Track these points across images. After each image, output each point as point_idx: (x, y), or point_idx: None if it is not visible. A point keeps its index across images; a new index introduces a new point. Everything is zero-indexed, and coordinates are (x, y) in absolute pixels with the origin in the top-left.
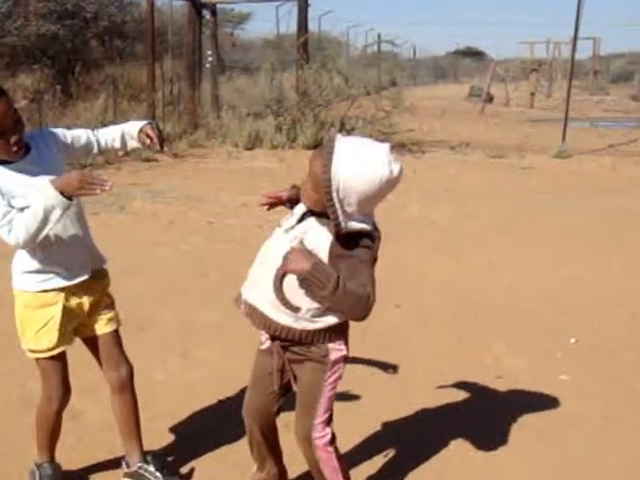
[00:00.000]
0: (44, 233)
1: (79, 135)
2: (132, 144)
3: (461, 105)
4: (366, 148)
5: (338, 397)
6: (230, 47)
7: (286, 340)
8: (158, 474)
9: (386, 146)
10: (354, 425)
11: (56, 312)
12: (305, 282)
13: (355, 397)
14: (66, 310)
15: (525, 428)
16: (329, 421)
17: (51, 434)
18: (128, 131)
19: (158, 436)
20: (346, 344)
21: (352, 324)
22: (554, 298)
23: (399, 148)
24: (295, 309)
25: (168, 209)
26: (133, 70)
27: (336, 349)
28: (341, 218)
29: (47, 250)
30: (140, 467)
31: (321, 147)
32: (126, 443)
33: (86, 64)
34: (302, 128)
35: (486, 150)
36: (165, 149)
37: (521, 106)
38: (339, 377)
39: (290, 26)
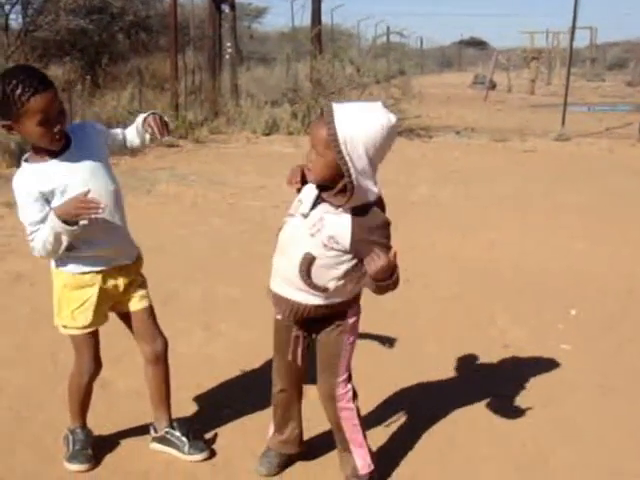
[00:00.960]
0: (61, 250)
1: (116, 133)
2: (144, 137)
3: (466, 92)
4: (362, 105)
5: (354, 365)
6: (248, 39)
7: (315, 317)
8: (184, 439)
9: (379, 102)
10: (366, 393)
11: (93, 293)
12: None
13: (366, 367)
14: (102, 291)
15: (530, 395)
16: (350, 379)
17: (82, 402)
18: (138, 126)
19: (184, 405)
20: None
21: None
22: (555, 272)
23: (408, 133)
24: (324, 290)
25: (191, 191)
26: (157, 61)
27: (354, 313)
28: (353, 174)
29: (86, 239)
30: (167, 432)
31: (319, 117)
32: (156, 410)
33: (113, 56)
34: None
35: (490, 134)
36: (166, 137)
37: (522, 92)
38: (357, 336)
39: (304, 19)
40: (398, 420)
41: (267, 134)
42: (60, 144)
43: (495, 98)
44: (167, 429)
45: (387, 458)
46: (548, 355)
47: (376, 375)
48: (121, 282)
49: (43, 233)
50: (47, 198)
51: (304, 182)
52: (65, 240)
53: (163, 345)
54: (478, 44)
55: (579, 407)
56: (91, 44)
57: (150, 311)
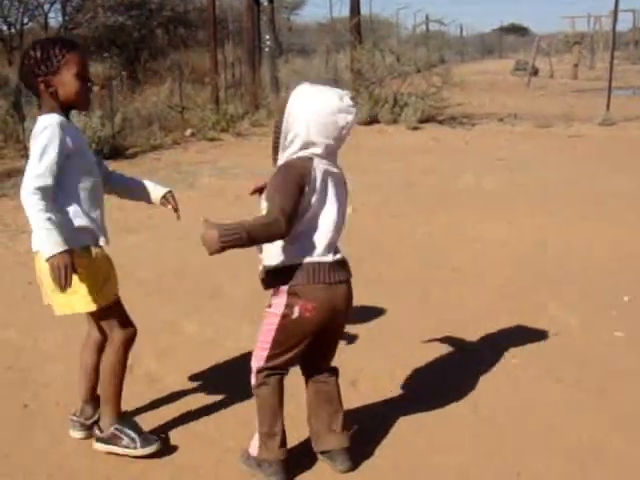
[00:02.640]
0: (29, 215)
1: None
2: (147, 201)
3: (508, 79)
4: (321, 87)
5: (408, 353)
6: (287, 31)
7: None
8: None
9: (340, 90)
10: (417, 382)
11: (109, 265)
12: (230, 247)
13: (418, 353)
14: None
15: (583, 384)
16: (265, 360)
17: (122, 381)
18: (148, 192)
19: (233, 396)
20: (289, 307)
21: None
22: (605, 258)
23: (450, 121)
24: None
25: (233, 184)
26: (196, 56)
27: (274, 303)
28: (281, 140)
29: (80, 208)
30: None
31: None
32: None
33: (152, 52)
34: (357, 105)
35: (533, 120)
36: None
37: (565, 78)
38: (273, 329)
39: (342, 10)
40: (450, 411)
41: None
42: (88, 105)
43: (537, 84)
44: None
45: (424, 448)
46: (601, 343)
47: (425, 364)
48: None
49: (41, 217)
50: (67, 154)
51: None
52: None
53: (134, 332)
54: (519, 30)
55: (634, 396)
56: (130, 40)
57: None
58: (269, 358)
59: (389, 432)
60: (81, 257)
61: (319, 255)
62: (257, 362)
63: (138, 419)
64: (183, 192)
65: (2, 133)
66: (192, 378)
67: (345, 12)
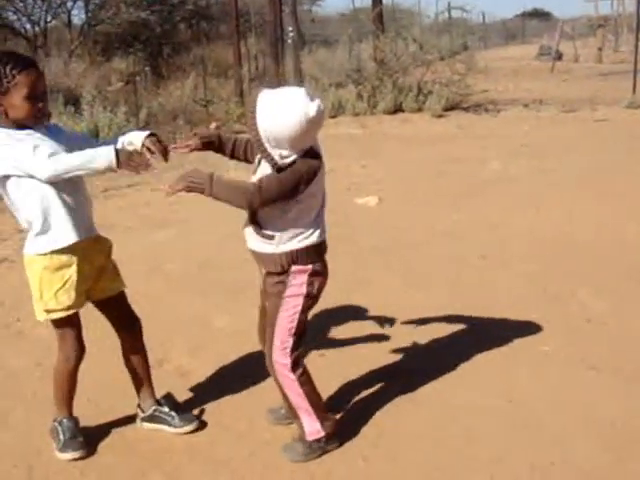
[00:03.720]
0: (74, 174)
1: (79, 142)
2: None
3: (531, 64)
4: (283, 98)
5: (438, 343)
6: (309, 22)
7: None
8: (172, 413)
9: (301, 90)
10: (449, 367)
11: (72, 273)
12: (193, 190)
13: (448, 342)
14: (80, 271)
15: (617, 371)
16: (294, 349)
17: (69, 390)
18: (128, 141)
19: (261, 391)
20: (311, 285)
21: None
22: (636, 244)
23: (475, 108)
24: (270, 237)
25: None
26: (219, 49)
27: (293, 285)
28: (278, 161)
29: (58, 205)
30: (155, 409)
31: (248, 107)
32: (141, 391)
33: (175, 46)
34: (382, 95)
35: (559, 105)
36: (168, 161)
37: (590, 61)
38: (298, 311)
39: (364, 0)
40: (484, 400)
41: (333, 116)
42: (41, 122)
43: (562, 69)
44: (154, 407)
45: (460, 438)
46: (633, 329)
47: (455, 353)
48: (95, 264)
49: (77, 154)
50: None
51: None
52: (91, 169)
53: (139, 328)
54: (541, 15)
55: None
56: (153, 35)
57: (124, 295)
58: (295, 344)
59: (423, 423)
60: (43, 263)
61: (323, 234)
62: (286, 355)
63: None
64: None
65: None
66: (223, 371)
67: (367, 2)
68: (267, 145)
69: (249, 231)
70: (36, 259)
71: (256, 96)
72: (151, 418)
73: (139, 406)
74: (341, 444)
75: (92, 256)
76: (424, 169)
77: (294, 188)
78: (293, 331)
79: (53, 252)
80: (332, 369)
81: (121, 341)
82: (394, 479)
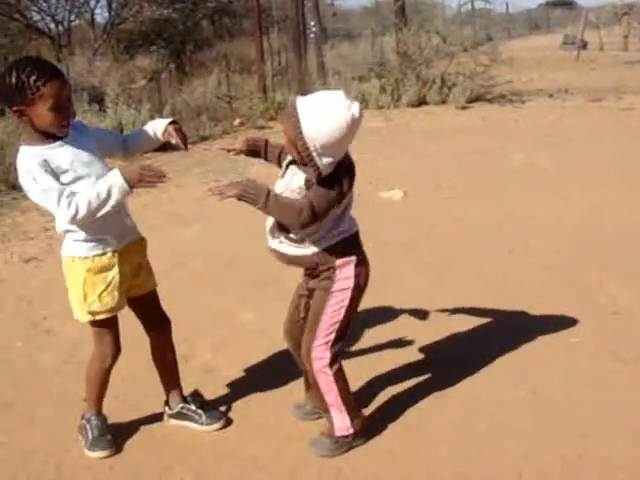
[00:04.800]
0: (101, 213)
1: (105, 136)
2: (157, 141)
3: (556, 54)
4: (324, 102)
5: (464, 335)
6: (331, 17)
7: (307, 269)
8: (199, 411)
9: (340, 92)
10: (475, 359)
11: (115, 274)
12: (244, 199)
13: (474, 334)
14: (121, 273)
15: None
16: (334, 343)
17: (101, 389)
18: (153, 130)
19: (287, 386)
20: (358, 277)
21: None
22: None
23: (500, 99)
24: (299, 240)
25: None
26: (242, 45)
27: (340, 279)
28: (322, 169)
29: (102, 220)
30: (182, 407)
31: (286, 111)
32: (169, 388)
33: (198, 43)
34: (405, 87)
35: (585, 95)
36: (189, 148)
37: (615, 50)
38: (345, 305)
39: None
40: (510, 393)
41: None
42: (67, 130)
43: (587, 58)
44: (182, 404)
45: (486, 432)
46: None
47: (482, 345)
48: (133, 264)
49: (90, 193)
50: (62, 173)
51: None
52: (111, 203)
53: (169, 327)
54: (565, 4)
55: None
56: (176, 32)
57: (156, 294)
58: (336, 340)
59: (450, 417)
60: (85, 267)
61: (355, 224)
62: (324, 351)
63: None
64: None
65: None
66: (248, 368)
67: None
68: (314, 154)
69: (275, 237)
70: (78, 261)
71: (293, 105)
72: (178, 415)
73: (167, 403)
74: (368, 439)
75: (131, 256)
76: (449, 161)
77: (341, 197)
78: (337, 326)
79: (95, 255)
80: (358, 363)
81: (150, 339)
82: (422, 473)
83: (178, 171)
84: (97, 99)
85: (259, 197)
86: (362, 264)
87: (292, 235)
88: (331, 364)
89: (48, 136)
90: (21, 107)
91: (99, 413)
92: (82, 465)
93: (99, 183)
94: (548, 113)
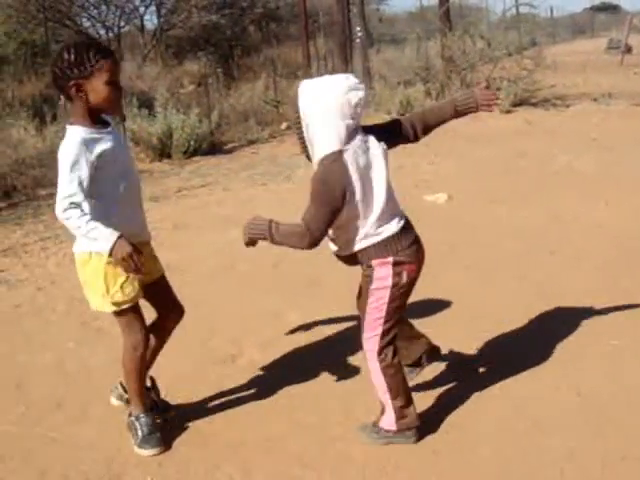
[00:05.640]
0: (77, 234)
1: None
2: None
3: (600, 58)
4: (323, 79)
5: (505, 336)
6: (377, 22)
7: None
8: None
9: (346, 74)
10: (516, 360)
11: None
12: (256, 238)
13: (516, 335)
14: None
15: None
16: (382, 336)
17: (140, 381)
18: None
19: (332, 385)
20: (397, 276)
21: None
22: None
23: (544, 103)
24: (338, 242)
25: None
26: (289, 50)
27: (377, 278)
28: (306, 138)
29: (119, 212)
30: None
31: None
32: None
33: (245, 48)
34: (450, 92)
35: (629, 99)
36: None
37: None
38: (385, 302)
39: None
40: (552, 393)
41: (402, 114)
42: (119, 111)
43: (631, 62)
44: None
45: (528, 431)
46: None
47: (523, 346)
48: (144, 253)
49: (88, 222)
50: (96, 165)
51: None
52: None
53: (182, 314)
54: (610, 9)
55: None
56: (224, 38)
57: (166, 279)
58: (384, 333)
59: (492, 416)
60: (103, 261)
61: (396, 224)
62: (374, 343)
63: (241, 409)
64: (281, 184)
65: None
66: (295, 366)
67: (434, 0)
68: (303, 121)
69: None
70: (96, 256)
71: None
72: (121, 397)
73: (122, 384)
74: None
75: (142, 247)
76: (493, 165)
77: (337, 208)
78: (382, 321)
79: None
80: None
81: (160, 324)
82: (464, 472)
83: (226, 175)
84: (146, 104)
85: (265, 232)
86: (403, 263)
87: (333, 237)
88: (380, 357)
89: (96, 122)
90: (79, 80)
91: (147, 410)
92: (132, 462)
93: (100, 226)
94: (592, 117)
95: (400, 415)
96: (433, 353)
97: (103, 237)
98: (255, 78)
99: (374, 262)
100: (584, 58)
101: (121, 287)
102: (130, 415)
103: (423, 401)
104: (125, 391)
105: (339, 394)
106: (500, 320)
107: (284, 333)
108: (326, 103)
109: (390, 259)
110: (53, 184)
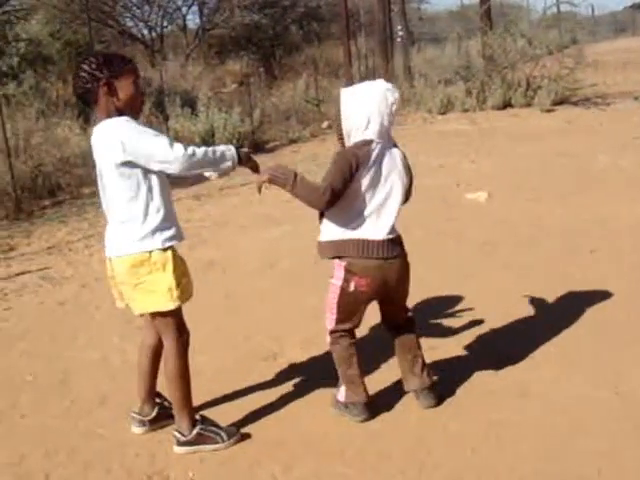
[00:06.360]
0: (206, 169)
1: None
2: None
3: None
4: (363, 84)
5: (545, 336)
6: (418, 21)
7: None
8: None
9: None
10: (555, 359)
11: (185, 265)
12: (274, 183)
13: (556, 334)
14: None
15: None
16: (335, 324)
17: (189, 382)
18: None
19: (372, 382)
20: (346, 282)
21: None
22: None
23: (584, 102)
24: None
25: None
26: (330, 49)
27: (334, 275)
28: (345, 136)
29: (168, 201)
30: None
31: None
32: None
33: (287, 47)
34: (490, 90)
35: None
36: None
37: None
38: (335, 298)
39: None
40: (591, 393)
41: (443, 113)
42: (140, 114)
43: None
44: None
45: (566, 431)
46: None
47: (563, 346)
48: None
49: (208, 148)
50: None
51: None
52: (219, 167)
53: (188, 337)
54: None
55: None
56: (266, 37)
57: None
58: (337, 321)
59: (530, 414)
60: (166, 256)
61: (371, 233)
62: (329, 325)
63: (283, 406)
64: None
65: None
66: (334, 365)
67: None
68: (343, 121)
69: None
70: (157, 253)
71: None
72: (142, 422)
73: (136, 410)
74: (449, 435)
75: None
76: (533, 164)
77: (347, 171)
78: (334, 313)
79: (172, 244)
80: (440, 360)
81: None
82: (502, 470)
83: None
84: (189, 103)
85: (288, 180)
86: (353, 273)
87: (323, 219)
88: (330, 337)
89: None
90: (110, 79)
91: (201, 420)
92: (174, 457)
93: (216, 147)
94: (633, 115)
95: (348, 390)
96: (424, 395)
97: (230, 153)
98: (296, 77)
99: (335, 261)
100: (625, 56)
101: (185, 285)
102: (187, 434)
103: (462, 399)
104: (143, 415)
105: (379, 391)
106: (538, 319)
107: (325, 331)
108: (365, 100)
109: (344, 263)
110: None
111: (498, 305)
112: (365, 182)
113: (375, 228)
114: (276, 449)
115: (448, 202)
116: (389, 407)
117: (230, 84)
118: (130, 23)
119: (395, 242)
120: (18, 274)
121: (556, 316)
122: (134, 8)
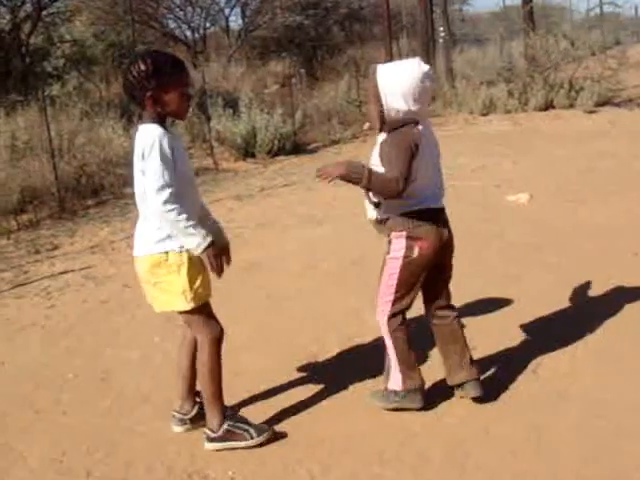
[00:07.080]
0: (169, 231)
1: None
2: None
3: None
4: (399, 62)
5: (588, 339)
6: (460, 22)
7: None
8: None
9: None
10: (598, 363)
11: (202, 266)
12: (348, 179)
13: (598, 339)
14: None
15: None
16: (392, 304)
17: (220, 378)
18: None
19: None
20: (409, 249)
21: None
22: None
23: (627, 103)
24: (376, 204)
25: None
26: (372, 51)
27: (393, 249)
28: (385, 109)
29: (187, 211)
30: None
31: (370, 72)
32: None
33: (329, 49)
34: (532, 92)
35: None
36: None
37: None
38: (396, 272)
39: None
40: (634, 396)
41: (484, 114)
42: (186, 116)
43: None
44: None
45: (609, 433)
46: None
47: (606, 350)
48: None
49: (187, 219)
50: (174, 162)
51: None
52: (180, 235)
53: (221, 332)
54: None
55: None
56: (307, 39)
57: None
58: (395, 302)
59: (572, 418)
60: (182, 258)
61: (431, 201)
62: (385, 312)
63: (322, 406)
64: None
65: (189, 134)
66: (375, 364)
67: (517, 0)
68: (383, 99)
69: (367, 203)
70: (174, 255)
71: (374, 68)
72: (183, 421)
73: (177, 409)
74: (489, 438)
75: None
76: (575, 165)
77: (408, 156)
78: (392, 290)
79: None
80: (480, 361)
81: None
82: (543, 474)
83: (309, 174)
84: (231, 104)
85: (362, 176)
86: (416, 238)
87: (372, 196)
88: (388, 324)
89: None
90: (156, 92)
91: (231, 416)
92: (214, 456)
93: (198, 228)
94: None
95: (406, 376)
96: (471, 386)
97: (200, 235)
98: (338, 78)
99: (393, 234)
100: None
101: (202, 282)
102: (217, 431)
103: (503, 401)
104: (183, 413)
105: None
106: (579, 321)
107: (365, 333)
108: (407, 89)
109: (404, 233)
110: None
111: (539, 307)
112: (422, 159)
113: (433, 197)
114: (315, 449)
115: (489, 203)
116: (428, 408)
117: (272, 85)
118: (173, 24)
119: (444, 211)
120: (61, 273)
121: (597, 319)
122: (177, 10)
